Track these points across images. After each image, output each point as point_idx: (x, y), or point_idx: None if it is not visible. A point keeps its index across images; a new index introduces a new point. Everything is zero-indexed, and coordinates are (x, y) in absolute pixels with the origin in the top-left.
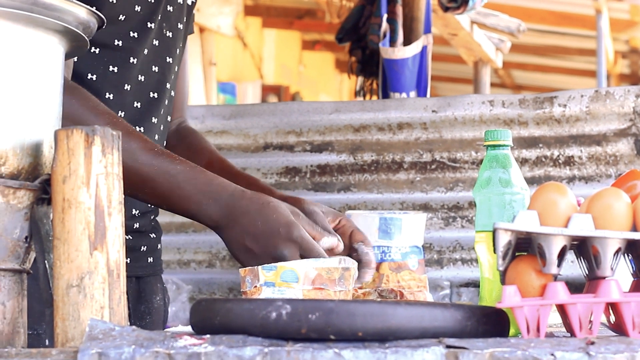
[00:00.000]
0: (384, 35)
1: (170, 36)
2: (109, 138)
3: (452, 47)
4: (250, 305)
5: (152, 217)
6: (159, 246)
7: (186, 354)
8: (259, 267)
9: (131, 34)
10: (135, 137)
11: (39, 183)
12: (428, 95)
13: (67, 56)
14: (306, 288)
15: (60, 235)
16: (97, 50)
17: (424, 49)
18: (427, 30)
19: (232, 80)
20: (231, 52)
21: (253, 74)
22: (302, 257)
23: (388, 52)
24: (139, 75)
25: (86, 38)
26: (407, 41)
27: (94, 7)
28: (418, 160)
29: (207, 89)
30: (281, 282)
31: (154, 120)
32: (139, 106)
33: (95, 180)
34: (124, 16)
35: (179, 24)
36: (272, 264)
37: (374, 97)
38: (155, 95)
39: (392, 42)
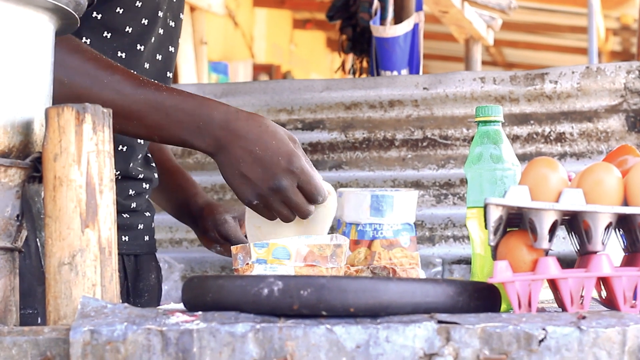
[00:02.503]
0: (375, 13)
1: (173, 25)
2: (100, 115)
3: (443, 25)
4: (242, 282)
5: (146, 197)
6: (153, 225)
7: (178, 330)
8: (251, 244)
9: (143, 20)
10: (118, 70)
11: (30, 161)
12: (420, 72)
13: (57, 34)
14: (298, 265)
15: (52, 213)
16: (108, 35)
17: (416, 26)
18: (419, 7)
19: (223, 60)
20: (222, 31)
21: (244, 53)
22: (300, 188)
23: (379, 30)
24: (145, 63)
25: (76, 16)
26: (398, 19)
27: None
28: (409, 137)
29: (198, 68)
30: (273, 259)
31: None
32: None
33: (86, 158)
34: (141, 3)
35: (180, 13)
36: (264, 241)
37: (364, 75)
38: None
39: (383, 20)
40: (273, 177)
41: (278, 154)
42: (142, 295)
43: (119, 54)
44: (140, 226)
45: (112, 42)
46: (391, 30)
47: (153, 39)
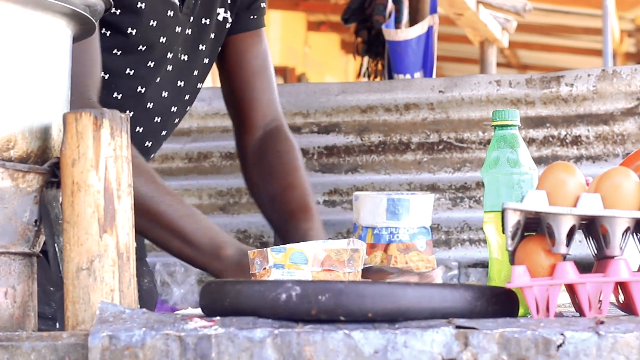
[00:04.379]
0: (389, 16)
1: (186, 59)
2: (118, 121)
3: (458, 27)
4: (260, 287)
5: None
6: None
7: (197, 336)
8: (268, 249)
9: (149, 64)
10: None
11: (48, 166)
12: (434, 75)
13: (75, 39)
14: (315, 270)
15: (70, 218)
16: (106, 76)
17: (430, 29)
18: (433, 10)
19: None
20: None
21: None
22: None
23: (391, 33)
24: (148, 103)
25: (94, 21)
26: (413, 21)
27: (112, 36)
28: (425, 140)
29: (213, 71)
30: (290, 264)
31: (148, 144)
32: (140, 131)
33: (104, 163)
34: (145, 47)
35: (200, 45)
36: (281, 246)
37: (379, 78)
38: (159, 119)
39: (398, 23)
40: None
41: None
42: None
43: (115, 94)
44: None
45: (109, 82)
46: (403, 34)
47: (159, 78)
